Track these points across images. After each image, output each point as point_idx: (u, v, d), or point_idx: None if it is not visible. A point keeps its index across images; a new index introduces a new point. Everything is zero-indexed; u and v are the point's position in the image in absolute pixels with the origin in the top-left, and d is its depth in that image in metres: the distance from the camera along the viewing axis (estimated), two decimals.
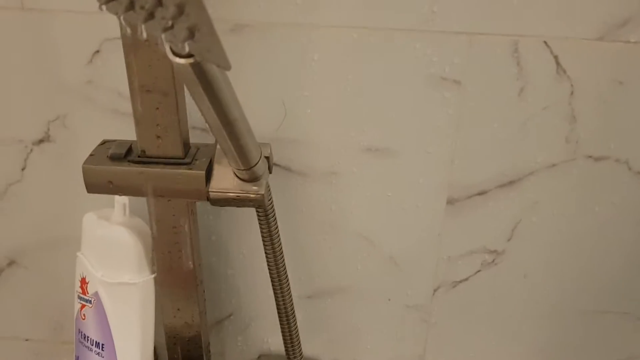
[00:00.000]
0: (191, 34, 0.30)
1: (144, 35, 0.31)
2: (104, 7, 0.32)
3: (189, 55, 0.33)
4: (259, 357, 0.68)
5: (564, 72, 0.49)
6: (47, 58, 0.52)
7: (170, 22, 0.30)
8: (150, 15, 0.30)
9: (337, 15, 0.49)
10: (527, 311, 0.62)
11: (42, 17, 0.50)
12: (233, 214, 0.59)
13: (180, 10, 0.28)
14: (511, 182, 0.55)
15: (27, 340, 0.69)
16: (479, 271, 0.60)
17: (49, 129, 0.56)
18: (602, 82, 0.50)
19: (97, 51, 0.51)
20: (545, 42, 0.48)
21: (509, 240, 0.58)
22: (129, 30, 0.32)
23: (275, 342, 0.67)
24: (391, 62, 0.50)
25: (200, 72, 0.35)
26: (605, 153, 0.53)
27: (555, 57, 0.49)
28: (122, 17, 0.31)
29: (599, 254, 0.58)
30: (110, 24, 0.50)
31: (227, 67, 0.32)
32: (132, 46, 0.44)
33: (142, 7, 0.29)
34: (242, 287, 0.64)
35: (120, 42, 0.44)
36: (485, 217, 0.57)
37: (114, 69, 0.52)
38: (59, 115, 0.55)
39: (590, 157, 0.53)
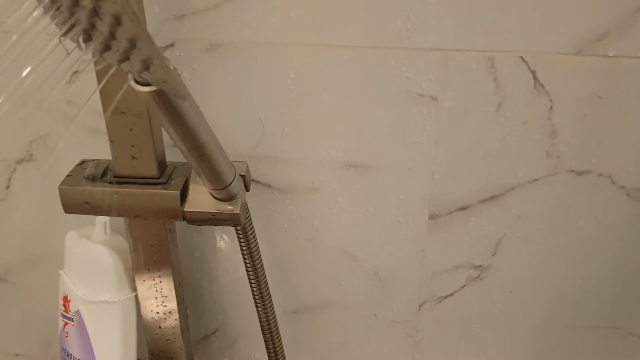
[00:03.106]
0: (146, 65, 0.30)
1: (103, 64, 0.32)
2: (63, 38, 0.32)
3: (149, 84, 0.33)
4: None
5: (542, 87, 0.49)
6: (27, 77, 0.52)
7: (124, 54, 0.30)
8: (107, 47, 0.30)
9: (312, 34, 0.49)
10: (514, 326, 0.61)
11: (20, 38, 0.50)
12: (215, 231, 0.59)
13: (132, 44, 0.28)
14: (493, 197, 0.54)
15: (16, 355, 0.70)
16: (464, 286, 0.59)
17: (31, 148, 0.56)
18: (582, 97, 0.49)
19: (76, 71, 0.51)
20: (521, 58, 0.48)
21: (493, 255, 0.57)
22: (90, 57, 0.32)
23: (263, 358, 0.67)
24: (367, 79, 0.50)
25: (162, 99, 0.35)
26: (588, 167, 0.52)
27: (533, 72, 0.48)
28: (82, 47, 0.31)
29: (585, 269, 0.58)
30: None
31: (184, 96, 0.32)
32: (103, 69, 0.44)
33: (97, 39, 0.29)
34: (227, 303, 0.64)
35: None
36: (468, 232, 0.56)
37: (93, 89, 0.52)
38: (40, 135, 0.55)
39: (572, 171, 0.52)
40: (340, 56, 0.49)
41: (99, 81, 0.44)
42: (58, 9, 0.30)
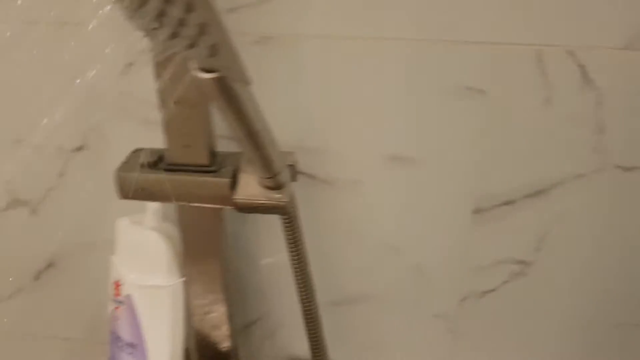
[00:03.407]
0: (213, 51, 0.31)
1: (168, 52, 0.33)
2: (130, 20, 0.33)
3: (212, 71, 0.34)
4: None
5: (591, 81, 0.49)
6: (84, 70, 0.54)
7: (193, 41, 0.31)
8: (175, 34, 0.32)
9: (360, 27, 0.50)
10: (556, 324, 0.61)
11: (77, 30, 0.52)
12: (260, 221, 0.61)
13: (202, 30, 0.30)
14: (538, 192, 0.54)
15: (65, 339, 0.72)
16: (506, 282, 0.60)
17: (85, 137, 0.58)
18: (631, 92, 0.49)
19: (131, 63, 0.53)
20: (570, 52, 0.48)
21: (537, 251, 0.57)
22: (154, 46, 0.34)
23: (303, 348, 0.68)
24: (415, 72, 0.51)
25: (223, 86, 0.36)
26: (636, 163, 0.52)
27: (581, 67, 0.48)
28: (148, 34, 0.33)
29: (631, 266, 0.57)
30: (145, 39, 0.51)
31: (247, 82, 0.33)
32: (162, 60, 0.46)
33: (167, 26, 0.31)
34: (269, 293, 0.65)
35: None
36: (512, 227, 0.57)
37: (147, 81, 0.54)
38: (96, 124, 0.57)
39: (619, 167, 0.52)
40: (387, 49, 0.50)
41: (158, 72, 0.46)
42: None
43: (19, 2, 0.51)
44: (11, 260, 0.66)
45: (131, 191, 0.50)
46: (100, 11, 0.46)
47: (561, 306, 0.60)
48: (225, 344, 0.61)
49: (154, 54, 0.46)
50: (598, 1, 0.46)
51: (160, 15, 0.31)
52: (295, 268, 0.58)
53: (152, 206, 0.56)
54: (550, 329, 0.61)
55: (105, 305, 0.61)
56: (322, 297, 0.63)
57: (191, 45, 0.31)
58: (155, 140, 0.55)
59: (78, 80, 0.53)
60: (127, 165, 0.51)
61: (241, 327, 0.67)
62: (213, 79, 0.35)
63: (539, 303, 0.60)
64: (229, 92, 0.37)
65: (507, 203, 0.56)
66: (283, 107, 0.54)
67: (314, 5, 0.49)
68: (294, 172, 0.53)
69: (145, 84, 0.54)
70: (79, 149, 0.59)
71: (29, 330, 0.72)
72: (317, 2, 0.49)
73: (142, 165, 0.51)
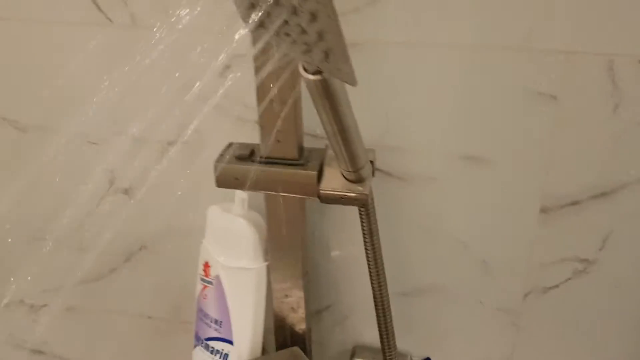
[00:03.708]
0: (326, 56, 0.36)
1: (279, 56, 0.38)
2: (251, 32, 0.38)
3: (318, 72, 0.39)
4: (353, 347, 0.73)
5: None
6: (186, 71, 0.60)
7: (310, 47, 0.36)
8: (294, 41, 0.37)
9: (439, 35, 0.54)
10: (617, 322, 0.64)
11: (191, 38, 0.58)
12: (336, 213, 0.65)
13: (320, 37, 0.34)
14: (604, 194, 0.57)
15: (149, 317, 0.78)
16: (569, 279, 0.62)
17: (183, 132, 0.64)
18: None
19: (228, 66, 0.59)
20: (639, 62, 0.51)
21: (600, 250, 0.60)
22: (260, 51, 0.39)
23: (370, 336, 0.72)
24: (490, 77, 0.55)
25: (325, 86, 0.41)
26: None
27: None
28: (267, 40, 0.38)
29: None
30: (243, 43, 0.57)
31: (354, 83, 0.38)
32: (262, 63, 0.51)
33: (286, 34, 0.36)
34: (341, 281, 0.70)
35: (246, 59, 0.51)
36: (577, 226, 0.59)
37: (241, 82, 0.59)
38: (192, 120, 0.63)
39: None
40: (464, 54, 0.54)
41: (257, 74, 0.51)
42: (253, 6, 0.37)
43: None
44: (108, 242, 0.73)
45: (227, 180, 0.56)
46: (197, 9, 0.52)
47: (622, 305, 0.62)
48: (300, 326, 0.66)
49: (256, 57, 0.51)
50: None
51: (285, 24, 0.36)
52: (369, 258, 0.62)
53: (241, 195, 0.61)
54: (611, 327, 0.64)
55: (189, 287, 0.68)
56: (391, 287, 0.67)
57: (307, 51, 0.36)
58: (245, 136, 0.60)
59: (179, 79, 0.59)
60: (223, 157, 0.57)
61: (313, 312, 0.72)
62: (319, 80, 0.40)
63: (601, 301, 0.63)
64: (330, 91, 0.42)
65: (573, 203, 0.59)
66: (364, 108, 0.58)
67: (395, 15, 0.54)
68: (373, 168, 0.58)
69: (239, 86, 0.60)
70: (176, 142, 0.65)
71: (119, 308, 0.79)
72: (398, 12, 0.54)
73: (237, 158, 0.56)
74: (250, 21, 0.37)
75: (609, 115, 0.54)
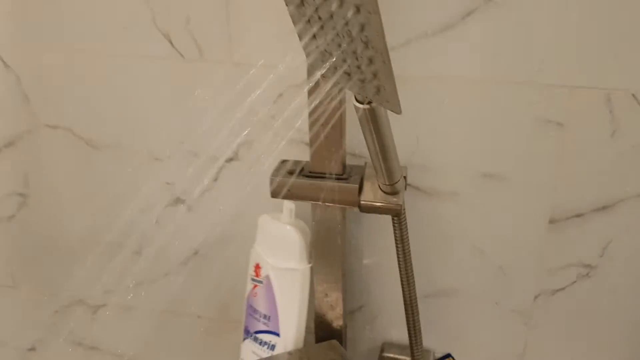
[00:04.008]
0: (378, 91, 0.46)
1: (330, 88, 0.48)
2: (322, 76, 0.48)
3: (367, 102, 0.49)
4: (382, 344, 0.82)
5: None
6: (244, 96, 0.70)
7: (363, 83, 0.46)
8: (350, 77, 0.47)
9: (463, 70, 0.64)
10: (617, 320, 0.72)
11: (246, 69, 0.68)
12: (370, 224, 0.75)
13: (374, 76, 0.44)
14: (604, 207, 0.66)
15: (199, 317, 0.88)
16: (574, 282, 0.71)
17: (238, 150, 0.74)
18: None
19: (281, 94, 0.69)
20: (633, 95, 0.61)
21: (600, 257, 0.69)
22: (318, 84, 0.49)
23: (397, 334, 0.81)
24: (506, 106, 0.64)
25: (373, 114, 0.50)
26: None
27: None
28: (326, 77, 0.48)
29: None
30: (294, 75, 0.67)
31: (399, 112, 0.48)
32: (315, 93, 0.61)
33: (347, 73, 0.46)
34: (372, 284, 0.79)
35: (298, 88, 0.62)
36: (581, 235, 0.68)
37: (292, 108, 0.69)
38: (247, 140, 0.73)
39: None
40: (485, 87, 0.64)
41: (310, 101, 0.61)
42: (325, 52, 0.46)
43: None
44: (166, 248, 0.83)
45: (281, 192, 0.66)
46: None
47: (621, 305, 0.71)
48: (338, 323, 0.75)
49: (310, 88, 0.61)
50: None
51: (349, 69, 0.46)
52: (400, 263, 0.71)
53: (289, 206, 0.71)
54: (612, 325, 0.72)
55: (237, 289, 0.77)
56: (416, 289, 0.76)
57: (362, 86, 0.46)
58: (295, 155, 0.70)
59: (238, 105, 0.69)
60: (277, 172, 0.67)
61: (348, 312, 0.80)
62: (368, 109, 0.50)
63: (602, 301, 0.71)
64: (377, 118, 0.51)
65: (577, 215, 0.68)
66: (398, 131, 0.68)
67: (426, 53, 0.64)
68: (405, 182, 0.67)
69: (291, 111, 0.70)
70: (231, 159, 0.75)
71: (172, 308, 0.88)
72: (428, 51, 0.64)
73: (289, 172, 0.66)
74: (324, 68, 0.47)
75: (607, 139, 0.63)
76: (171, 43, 0.70)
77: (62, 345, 0.96)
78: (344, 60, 0.45)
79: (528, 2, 0.59)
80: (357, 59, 0.44)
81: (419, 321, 0.74)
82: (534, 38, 0.61)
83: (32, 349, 0.99)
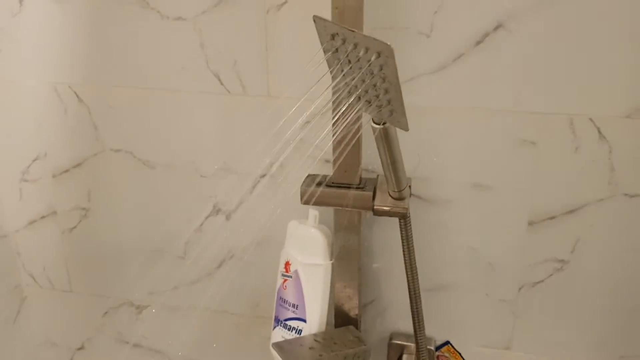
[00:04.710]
0: (391, 113, 0.61)
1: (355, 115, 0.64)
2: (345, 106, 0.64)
3: (382, 123, 0.65)
4: (391, 333, 0.96)
5: (604, 137, 0.77)
6: (278, 123, 0.86)
7: (380, 108, 0.61)
8: (370, 104, 0.62)
9: (456, 101, 0.80)
10: (587, 308, 0.86)
11: (280, 102, 0.84)
12: (379, 227, 0.90)
13: (389, 102, 0.60)
14: (572, 211, 0.82)
15: (232, 314, 1.01)
16: (551, 275, 0.86)
17: (271, 167, 0.89)
18: (631, 144, 0.77)
19: (308, 122, 0.85)
20: (590, 119, 0.77)
21: (572, 252, 0.84)
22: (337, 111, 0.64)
23: (404, 325, 0.95)
24: (490, 129, 0.80)
25: (386, 132, 0.66)
26: (637, 192, 0.79)
27: (598, 128, 0.77)
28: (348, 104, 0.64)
29: None
30: (319, 106, 0.83)
31: (407, 129, 0.63)
32: (339, 120, 0.77)
33: (367, 101, 0.62)
34: (382, 280, 0.93)
35: (322, 116, 0.77)
36: (555, 235, 0.83)
37: (317, 132, 0.85)
38: (279, 159, 0.88)
39: (626, 194, 0.79)
40: (473, 114, 0.80)
41: (334, 126, 0.76)
42: (352, 86, 0.62)
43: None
44: (206, 252, 0.97)
45: (309, 200, 0.81)
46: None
47: (591, 293, 0.85)
48: (354, 312, 0.89)
49: (334, 114, 0.76)
50: (612, 88, 0.75)
51: (369, 97, 0.61)
52: (406, 260, 0.86)
53: (313, 212, 0.86)
54: (585, 310, 0.86)
55: (267, 287, 0.91)
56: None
57: (379, 111, 0.62)
58: (317, 170, 0.85)
59: (271, 130, 0.84)
60: (305, 183, 0.82)
61: (361, 305, 0.95)
62: (382, 128, 0.65)
63: (575, 290, 0.86)
64: (389, 136, 0.67)
65: (551, 218, 0.83)
66: (403, 149, 0.84)
67: (427, 88, 0.80)
68: (410, 191, 0.82)
69: (316, 134, 0.86)
70: (265, 175, 0.90)
71: (207, 305, 1.02)
72: (429, 87, 0.80)
73: (316, 183, 0.81)
74: (351, 98, 0.63)
75: (572, 155, 0.79)
76: (220, 81, 0.86)
77: (108, 344, 1.10)
78: (366, 91, 0.61)
79: (506, 46, 0.75)
80: (376, 90, 0.60)
81: (422, 312, 0.88)
82: (512, 75, 0.77)
83: (81, 348, 1.12)
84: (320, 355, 0.78)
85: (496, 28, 0.75)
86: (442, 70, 0.78)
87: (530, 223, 0.84)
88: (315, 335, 0.85)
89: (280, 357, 0.78)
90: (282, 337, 0.88)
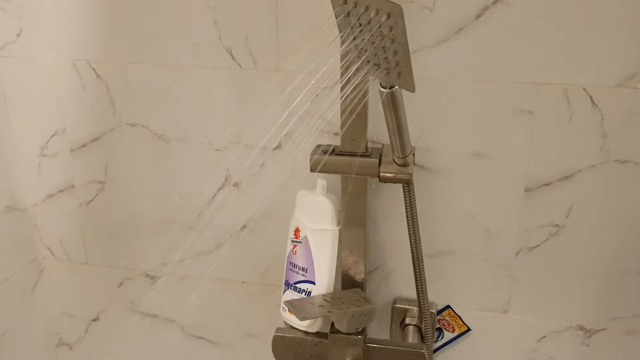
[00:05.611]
0: (399, 75, 0.66)
1: (364, 79, 0.68)
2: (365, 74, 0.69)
3: (390, 87, 0.69)
4: (394, 299, 1.00)
5: (597, 106, 0.82)
6: (287, 97, 0.90)
7: (389, 70, 0.66)
8: (378, 67, 0.67)
9: (456, 72, 0.85)
10: (582, 269, 0.91)
11: (290, 76, 0.89)
12: (385, 196, 0.94)
13: (397, 64, 0.65)
14: (566, 177, 0.86)
15: (243, 282, 1.06)
16: (547, 239, 0.91)
17: (281, 140, 0.94)
18: (622, 112, 0.82)
19: (317, 94, 0.90)
20: (584, 88, 0.81)
21: (566, 217, 0.89)
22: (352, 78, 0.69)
23: (406, 290, 0.99)
24: (489, 100, 0.85)
25: (393, 97, 0.71)
26: (627, 158, 0.84)
27: (591, 97, 0.81)
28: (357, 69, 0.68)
29: (633, 228, 0.87)
30: (327, 80, 0.88)
31: (413, 90, 0.67)
32: (346, 88, 0.82)
33: (376, 64, 0.66)
34: (386, 248, 0.98)
35: (330, 90, 0.82)
36: (550, 200, 0.88)
37: (323, 105, 0.90)
38: (288, 132, 0.93)
39: (617, 160, 0.84)
40: (473, 85, 0.85)
41: (342, 94, 0.81)
42: (360, 50, 0.67)
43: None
44: (218, 224, 1.02)
45: (317, 167, 0.85)
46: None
47: (586, 256, 0.90)
48: (360, 275, 0.93)
49: (343, 84, 0.81)
50: (605, 58, 0.80)
51: (377, 60, 0.66)
52: (409, 225, 0.91)
53: (321, 182, 0.90)
54: (578, 273, 0.91)
55: (276, 256, 0.96)
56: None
57: (387, 73, 0.66)
58: (325, 142, 0.90)
59: (282, 104, 0.88)
60: (314, 152, 0.86)
61: (365, 272, 0.99)
62: (389, 92, 0.70)
63: (570, 254, 0.90)
64: (396, 101, 0.72)
65: (546, 184, 0.87)
66: (408, 121, 0.88)
67: (431, 60, 0.85)
68: (413, 158, 0.87)
69: (323, 107, 0.90)
70: (276, 148, 0.95)
71: (219, 275, 1.06)
72: (433, 59, 0.85)
73: (324, 152, 0.86)
74: (360, 61, 0.67)
75: (566, 123, 0.84)
76: (232, 56, 0.91)
77: (123, 314, 1.14)
78: (375, 54, 0.65)
79: (505, 20, 0.80)
80: (385, 52, 0.64)
81: (424, 277, 0.93)
82: (510, 47, 0.82)
83: (96, 319, 1.17)
84: (330, 312, 0.83)
85: (495, 2, 0.79)
86: (443, 42, 0.83)
87: (527, 189, 0.88)
88: (324, 295, 0.89)
89: (293, 312, 0.83)
90: (292, 299, 0.92)
